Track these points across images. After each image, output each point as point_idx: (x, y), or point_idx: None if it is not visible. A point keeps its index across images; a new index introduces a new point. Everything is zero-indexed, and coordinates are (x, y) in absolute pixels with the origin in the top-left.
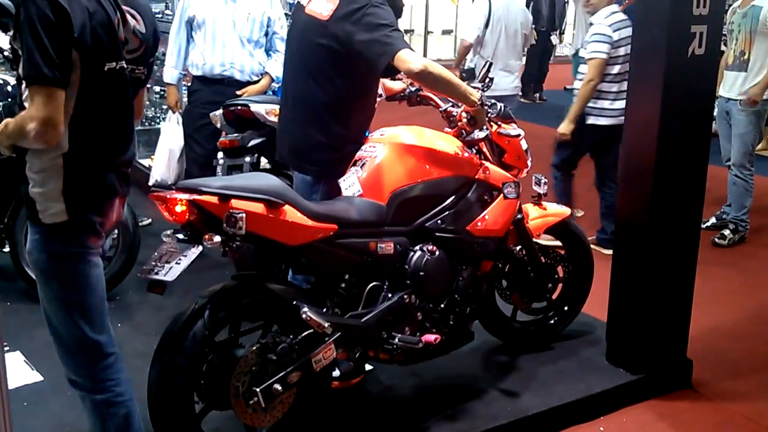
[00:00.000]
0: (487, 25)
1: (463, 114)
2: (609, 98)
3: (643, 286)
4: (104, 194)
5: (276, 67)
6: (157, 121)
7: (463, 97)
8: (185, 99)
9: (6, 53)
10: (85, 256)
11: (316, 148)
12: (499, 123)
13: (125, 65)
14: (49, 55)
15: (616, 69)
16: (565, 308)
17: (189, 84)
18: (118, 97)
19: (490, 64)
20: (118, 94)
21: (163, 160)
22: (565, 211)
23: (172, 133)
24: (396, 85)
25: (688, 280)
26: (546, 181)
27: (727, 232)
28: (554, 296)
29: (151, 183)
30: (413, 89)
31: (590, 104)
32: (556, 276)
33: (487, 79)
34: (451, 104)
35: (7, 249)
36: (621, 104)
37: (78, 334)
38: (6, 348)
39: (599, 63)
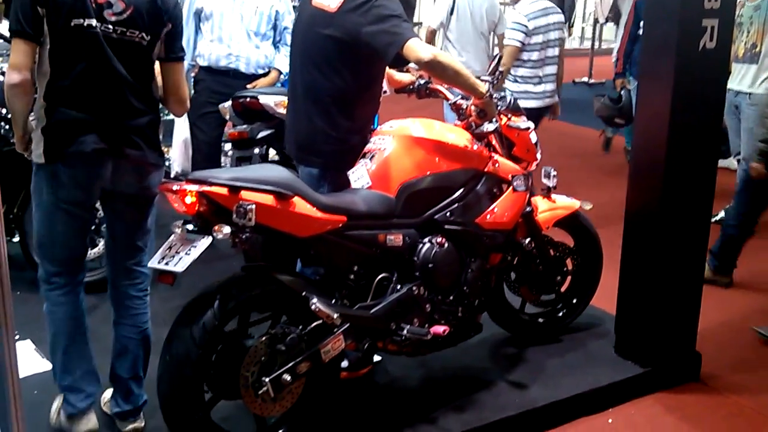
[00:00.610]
0: (452, 12)
1: (473, 107)
2: (533, 82)
3: (653, 279)
4: (74, 149)
5: (284, 61)
6: (165, 112)
7: (472, 89)
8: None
9: None
10: (52, 202)
11: (322, 139)
12: (509, 115)
13: (95, 24)
14: (17, 13)
15: (534, 56)
16: (574, 300)
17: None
18: (92, 55)
19: (500, 57)
20: (91, 51)
21: (180, 151)
22: (575, 203)
23: (184, 125)
24: (404, 78)
25: (698, 274)
26: (555, 173)
27: None
28: (563, 289)
29: (173, 175)
30: (422, 81)
31: (515, 89)
32: (565, 268)
33: (498, 72)
34: (460, 96)
35: (17, 239)
36: (545, 87)
37: (36, 252)
38: (16, 337)
39: (513, 51)
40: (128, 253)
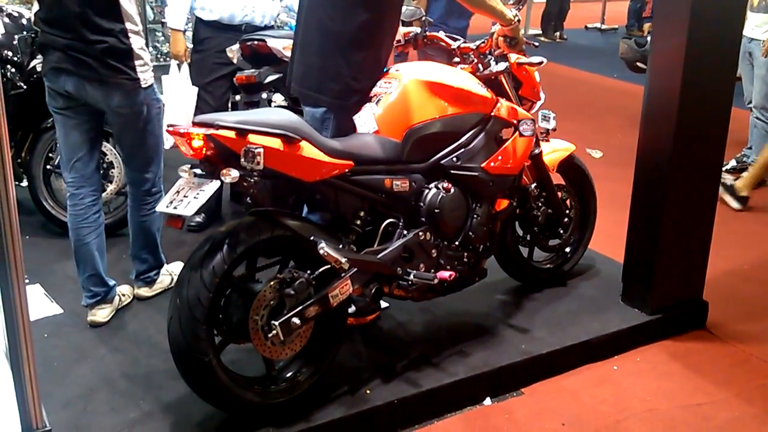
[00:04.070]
0: None
1: (500, 37)
2: None
3: (661, 227)
4: (45, 66)
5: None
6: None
7: (501, 15)
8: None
9: None
10: (54, 113)
11: (332, 77)
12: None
13: None
14: None
15: None
16: (575, 244)
17: (193, 28)
18: None
19: None
20: None
21: (173, 112)
22: (571, 146)
23: (180, 90)
24: (401, 29)
25: (707, 222)
26: (554, 116)
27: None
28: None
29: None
30: (418, 31)
31: None
32: (570, 211)
33: (522, 0)
34: (462, 41)
35: (25, 183)
36: None
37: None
38: (26, 281)
39: None
40: (129, 163)
